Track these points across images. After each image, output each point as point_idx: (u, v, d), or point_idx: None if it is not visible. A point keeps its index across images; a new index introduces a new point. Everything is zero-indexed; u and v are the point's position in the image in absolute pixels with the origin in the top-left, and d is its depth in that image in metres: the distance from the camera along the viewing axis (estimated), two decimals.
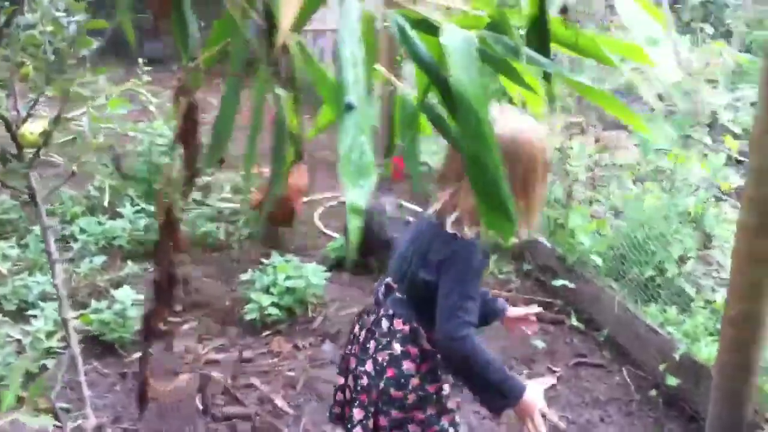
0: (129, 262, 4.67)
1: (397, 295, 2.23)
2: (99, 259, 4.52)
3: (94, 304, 3.95)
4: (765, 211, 2.80)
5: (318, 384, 3.63)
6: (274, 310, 4.07)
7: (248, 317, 4.07)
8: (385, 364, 2.19)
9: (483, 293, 2.36)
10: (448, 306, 2.06)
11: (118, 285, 4.25)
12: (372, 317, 2.26)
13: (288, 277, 4.16)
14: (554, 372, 3.81)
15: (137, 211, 5.14)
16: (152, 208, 5.20)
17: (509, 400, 2.07)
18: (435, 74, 1.13)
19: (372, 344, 2.23)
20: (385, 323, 2.22)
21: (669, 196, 4.24)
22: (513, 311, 2.53)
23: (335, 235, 5.21)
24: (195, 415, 3.40)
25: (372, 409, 2.20)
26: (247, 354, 3.87)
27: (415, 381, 2.18)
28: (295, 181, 5.37)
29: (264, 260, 4.39)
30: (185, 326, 4.12)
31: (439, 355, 2.18)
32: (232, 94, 1.16)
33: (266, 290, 4.15)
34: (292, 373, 3.71)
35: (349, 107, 0.95)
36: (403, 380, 2.18)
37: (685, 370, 3.49)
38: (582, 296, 4.32)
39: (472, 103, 1.03)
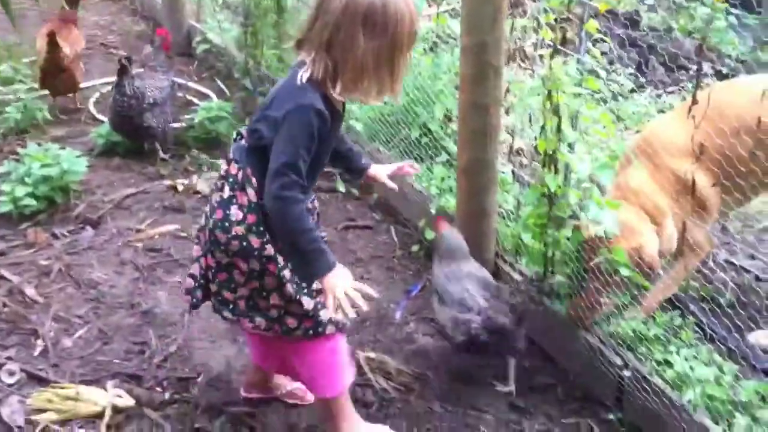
0: None
1: (242, 142, 2.26)
2: None
3: None
4: (478, 59, 2.83)
5: (73, 270, 3.49)
6: (30, 201, 3.84)
7: (2, 209, 3.83)
8: (216, 205, 2.26)
9: (347, 148, 2.49)
10: (278, 164, 2.09)
11: None
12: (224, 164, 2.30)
13: (44, 165, 3.92)
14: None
15: None
16: None
17: (317, 271, 2.12)
18: None
19: (215, 196, 2.28)
20: (223, 166, 2.29)
21: (435, 56, 4.25)
22: (378, 168, 2.58)
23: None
24: None
25: (206, 248, 2.29)
26: None
27: (239, 229, 2.21)
28: (72, 45, 5.06)
29: (20, 149, 4.12)
30: None
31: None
32: None
33: (21, 181, 3.90)
34: (46, 263, 3.54)
35: None
36: (227, 224, 2.22)
37: None
38: None
39: None
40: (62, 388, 2.75)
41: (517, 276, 3.09)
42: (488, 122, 2.97)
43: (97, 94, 5.41)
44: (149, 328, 3.15)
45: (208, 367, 2.94)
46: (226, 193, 2.23)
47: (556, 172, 2.76)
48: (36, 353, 2.99)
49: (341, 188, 4.24)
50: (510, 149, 3.60)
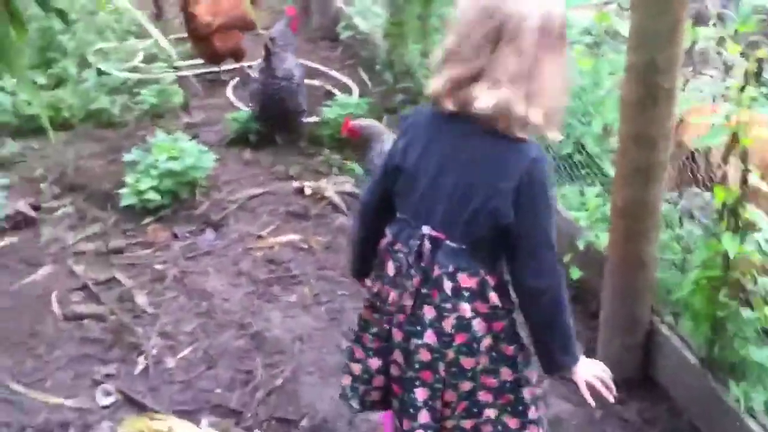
0: (11, 141, 4.27)
1: (452, 244, 1.79)
2: None
3: None
4: (646, 81, 2.36)
5: (188, 277, 3.30)
6: (154, 195, 3.69)
7: (126, 202, 3.70)
8: (452, 330, 1.82)
9: None
10: (545, 239, 1.76)
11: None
12: (416, 278, 1.81)
13: (170, 158, 3.76)
14: None
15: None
16: (43, 80, 4.74)
17: (574, 355, 1.86)
18: None
19: (428, 311, 1.83)
20: (447, 283, 1.80)
21: (596, 60, 3.76)
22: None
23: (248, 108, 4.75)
24: (46, 312, 3.09)
25: (439, 386, 1.87)
26: (117, 244, 3.52)
27: (487, 342, 1.85)
28: (216, 15, 4.96)
29: (150, 138, 3.98)
30: (59, 212, 3.75)
31: (519, 299, 1.85)
32: None
33: (147, 173, 3.76)
34: (161, 266, 3.37)
35: None
36: (475, 344, 1.84)
37: (590, 261, 3.13)
38: None
39: None
40: (156, 418, 2.55)
41: (677, 342, 2.62)
42: (653, 158, 2.49)
43: (237, 79, 5.25)
44: (257, 354, 2.90)
45: (314, 410, 2.65)
46: (466, 311, 1.81)
47: (737, 229, 2.27)
48: (136, 372, 2.81)
49: None
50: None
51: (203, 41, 5.07)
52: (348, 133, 3.68)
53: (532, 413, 1.92)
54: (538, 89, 1.70)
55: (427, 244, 1.79)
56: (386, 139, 3.46)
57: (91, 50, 5.24)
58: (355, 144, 4.02)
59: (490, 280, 1.81)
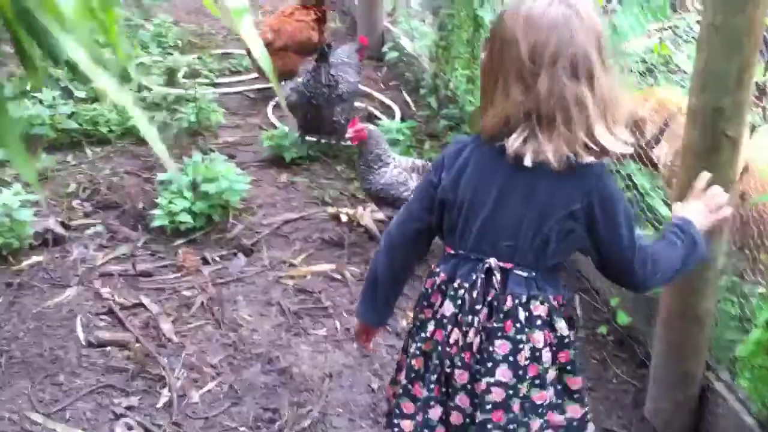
0: (45, 155, 4.21)
1: (522, 273, 1.75)
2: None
3: None
4: (710, 127, 2.18)
5: (217, 305, 3.18)
6: (186, 218, 3.59)
7: (157, 223, 3.60)
8: (527, 363, 1.76)
9: None
10: (631, 253, 1.74)
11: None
12: (483, 313, 1.75)
13: (205, 180, 3.66)
14: None
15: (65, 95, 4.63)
16: (81, 93, 4.69)
17: (700, 242, 1.85)
18: None
19: (500, 346, 1.75)
20: (522, 313, 1.75)
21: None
22: None
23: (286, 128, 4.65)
24: (69, 337, 2.99)
25: (513, 427, 1.77)
26: (146, 266, 3.42)
27: (552, 374, 1.80)
28: (281, 33, 4.91)
29: (186, 158, 3.89)
30: (89, 230, 3.66)
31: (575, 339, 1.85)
32: None
33: (180, 193, 3.66)
34: (189, 293, 3.26)
35: None
36: (545, 375, 1.78)
37: (639, 307, 2.96)
38: None
39: None
40: None
41: (734, 402, 2.43)
42: None
43: (277, 99, 5.16)
44: (284, 391, 2.77)
45: None
46: (539, 340, 1.76)
47: None
48: (159, 405, 2.69)
49: None
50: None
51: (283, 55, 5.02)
52: (355, 134, 3.53)
53: None
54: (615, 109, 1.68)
55: (497, 276, 1.74)
56: (385, 149, 3.55)
57: (133, 64, 5.20)
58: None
59: (556, 304, 1.78)
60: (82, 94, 4.67)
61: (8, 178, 3.85)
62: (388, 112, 4.95)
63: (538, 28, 1.62)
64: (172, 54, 5.61)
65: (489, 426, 1.76)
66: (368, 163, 3.50)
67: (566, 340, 1.78)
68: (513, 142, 1.66)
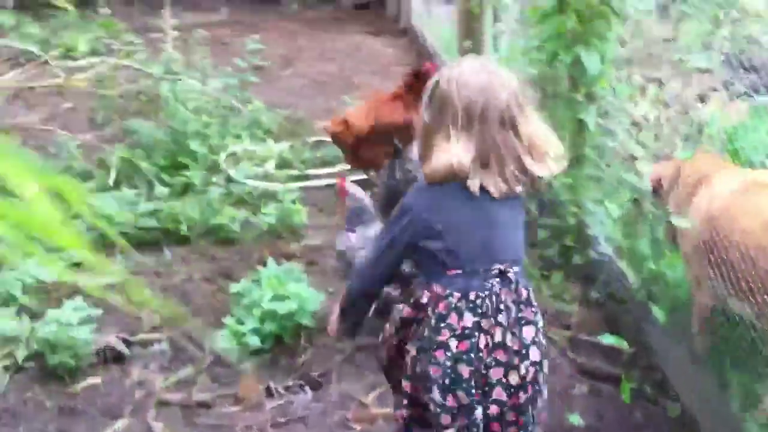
0: (120, 257, 4.04)
1: (518, 269, 2.20)
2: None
3: (50, 313, 3.34)
4: None
5: None
6: (253, 339, 3.30)
7: (223, 344, 3.33)
8: (543, 339, 2.25)
9: None
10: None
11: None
12: (507, 310, 2.16)
13: (275, 297, 3.37)
14: None
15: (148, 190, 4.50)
16: (166, 190, 4.54)
17: None
18: None
19: (527, 331, 2.17)
20: (532, 300, 2.22)
21: None
22: None
23: None
24: None
25: (536, 396, 2.19)
26: (204, 396, 3.14)
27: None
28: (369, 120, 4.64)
29: (259, 267, 3.62)
30: (154, 347, 3.43)
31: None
32: None
33: (249, 310, 3.39)
34: None
35: None
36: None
37: None
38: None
39: None
40: None
41: None
42: None
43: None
44: None
45: None
46: (540, 321, 2.23)
47: None
48: None
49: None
50: None
51: (352, 146, 4.75)
52: (339, 190, 3.61)
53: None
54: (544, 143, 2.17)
55: (511, 274, 2.16)
56: (367, 219, 3.47)
57: (223, 154, 5.06)
58: None
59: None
60: (165, 190, 4.52)
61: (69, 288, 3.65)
62: None
63: (470, 90, 2.09)
64: (265, 141, 5.46)
65: (524, 400, 2.14)
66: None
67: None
68: (473, 181, 2.11)
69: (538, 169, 2.13)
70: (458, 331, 2.12)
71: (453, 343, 2.12)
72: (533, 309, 2.20)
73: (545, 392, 2.23)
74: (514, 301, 2.15)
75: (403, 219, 2.22)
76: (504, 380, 2.12)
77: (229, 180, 4.84)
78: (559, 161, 2.19)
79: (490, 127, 2.08)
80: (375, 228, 3.33)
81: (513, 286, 2.15)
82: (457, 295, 2.14)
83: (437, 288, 2.18)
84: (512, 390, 2.13)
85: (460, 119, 2.08)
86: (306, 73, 7.59)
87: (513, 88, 2.13)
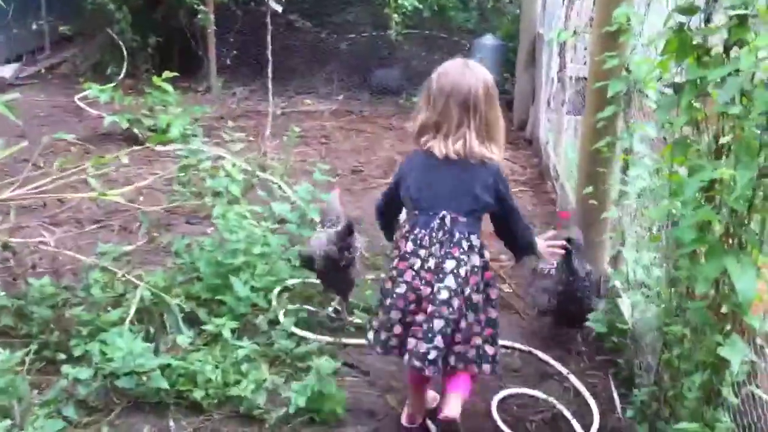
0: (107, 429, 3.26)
1: (463, 219, 3.04)
2: None
3: None
4: None
5: None
6: None
7: None
8: (468, 275, 3.01)
9: None
10: (516, 210, 3.22)
11: None
12: (437, 245, 3.02)
13: None
14: None
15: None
16: (188, 339, 3.75)
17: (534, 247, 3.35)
18: None
19: (449, 263, 3.00)
20: (465, 243, 3.02)
21: None
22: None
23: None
24: None
25: (453, 317, 2.98)
26: None
27: (482, 285, 3.08)
28: None
29: None
30: None
31: (511, 237, 3.29)
32: None
33: None
34: None
35: None
36: (482, 286, 3.07)
37: None
38: None
39: None
40: None
41: None
42: None
43: None
44: None
45: None
46: (477, 261, 3.08)
47: None
48: None
49: None
50: None
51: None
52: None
53: (498, 346, 3.17)
54: (493, 133, 3.08)
55: (448, 220, 3.02)
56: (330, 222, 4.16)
57: (276, 290, 4.26)
58: None
59: (481, 241, 3.09)
60: (187, 339, 3.73)
61: None
62: (583, 408, 3.56)
63: (447, 77, 3.04)
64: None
65: (436, 315, 2.97)
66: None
67: (488, 264, 3.11)
68: (427, 144, 3.08)
69: (476, 145, 3.00)
70: (401, 253, 3.08)
71: (395, 261, 3.10)
72: (461, 249, 3.01)
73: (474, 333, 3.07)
74: (446, 240, 3.00)
75: (398, 169, 3.29)
76: (430, 296, 2.98)
77: (275, 322, 4.02)
78: (502, 150, 3.11)
79: (450, 104, 2.98)
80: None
81: (447, 228, 3.01)
82: (407, 228, 3.10)
83: (403, 222, 3.18)
84: (427, 304, 3.00)
85: (431, 97, 3.04)
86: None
87: (483, 81, 3.01)
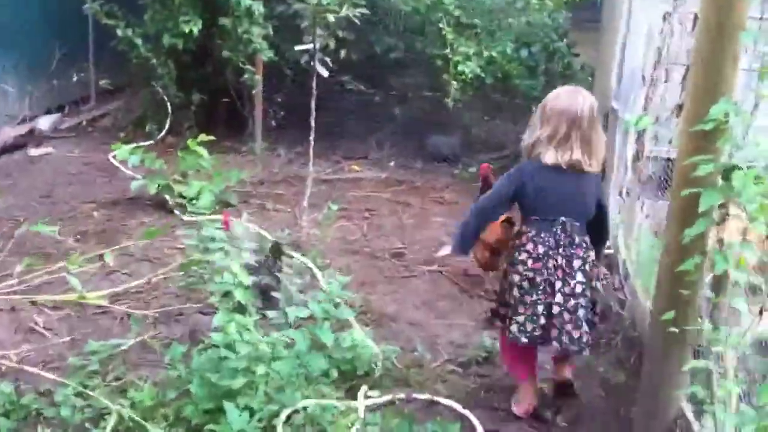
0: None
1: (577, 224, 3.75)
2: None
3: None
4: None
5: None
6: None
7: None
8: (591, 269, 3.74)
9: None
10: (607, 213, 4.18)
11: None
12: (562, 247, 3.72)
13: None
14: None
15: None
16: None
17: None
18: None
19: (576, 262, 3.70)
20: (583, 244, 3.74)
21: None
22: None
23: None
24: None
25: (589, 306, 3.75)
26: None
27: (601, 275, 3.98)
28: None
29: None
30: None
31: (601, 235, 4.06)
32: None
33: None
34: None
35: None
36: (601, 275, 3.97)
37: None
38: None
39: None
40: None
41: None
42: None
43: None
44: None
45: None
46: (593, 257, 3.84)
47: None
48: None
49: None
50: None
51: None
52: None
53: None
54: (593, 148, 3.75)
55: (569, 226, 3.72)
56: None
57: (276, 420, 3.56)
58: None
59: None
60: None
61: None
62: None
63: (559, 99, 3.78)
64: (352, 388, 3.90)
65: (580, 306, 3.69)
66: None
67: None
68: (545, 155, 3.74)
69: (579, 156, 3.71)
70: (533, 255, 3.72)
71: (530, 263, 3.72)
72: (582, 249, 3.74)
73: (585, 328, 3.71)
74: (569, 243, 3.71)
75: (511, 177, 3.86)
76: (563, 289, 3.67)
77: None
78: (600, 163, 3.81)
79: (562, 121, 3.69)
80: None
81: (568, 232, 3.72)
82: (533, 232, 3.75)
83: (523, 226, 3.85)
84: (566, 297, 3.67)
85: (545, 116, 3.76)
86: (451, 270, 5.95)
87: (589, 104, 3.73)
